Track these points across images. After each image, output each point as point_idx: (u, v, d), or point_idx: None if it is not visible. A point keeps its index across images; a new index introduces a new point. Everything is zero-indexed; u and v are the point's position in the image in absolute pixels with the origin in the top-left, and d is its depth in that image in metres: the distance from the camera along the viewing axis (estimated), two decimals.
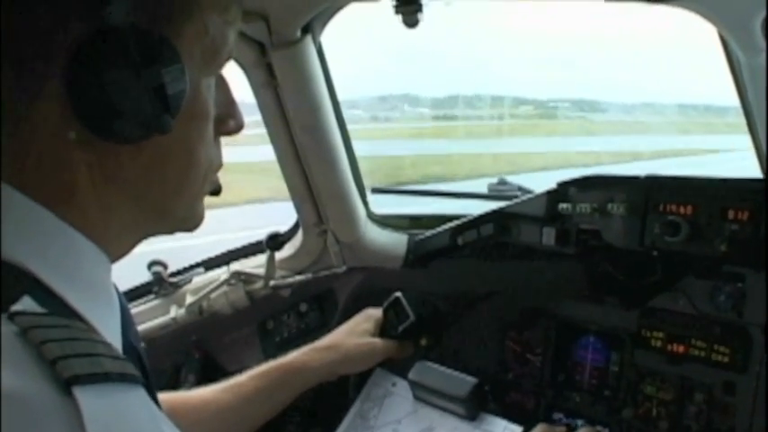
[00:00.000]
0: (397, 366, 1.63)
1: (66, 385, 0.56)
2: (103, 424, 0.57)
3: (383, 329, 1.63)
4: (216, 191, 0.87)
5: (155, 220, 0.80)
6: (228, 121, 0.85)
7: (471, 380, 1.50)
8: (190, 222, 0.84)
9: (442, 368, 1.56)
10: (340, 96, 1.84)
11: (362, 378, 1.66)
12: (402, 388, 1.60)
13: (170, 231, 0.84)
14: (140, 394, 0.65)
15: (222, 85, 0.84)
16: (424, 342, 1.63)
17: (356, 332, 1.61)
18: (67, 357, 0.58)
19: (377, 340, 1.59)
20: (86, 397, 0.57)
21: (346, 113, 1.88)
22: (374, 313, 1.67)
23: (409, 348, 1.62)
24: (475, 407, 1.49)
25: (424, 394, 1.54)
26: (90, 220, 0.72)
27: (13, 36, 0.64)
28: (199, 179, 0.80)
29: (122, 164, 0.71)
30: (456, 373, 1.54)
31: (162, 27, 0.69)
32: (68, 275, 0.69)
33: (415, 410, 1.56)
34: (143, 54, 0.66)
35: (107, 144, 0.68)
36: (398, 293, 1.66)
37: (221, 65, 0.80)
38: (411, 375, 1.55)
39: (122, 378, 0.62)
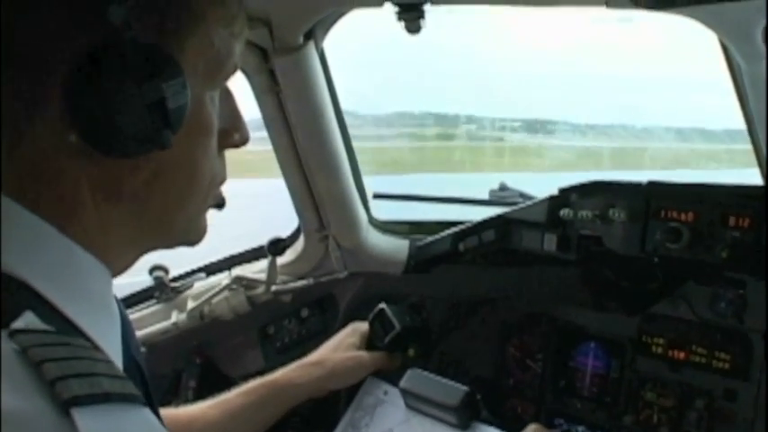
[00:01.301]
0: (389, 374, 1.62)
1: (65, 406, 0.56)
2: None
3: (370, 341, 1.62)
4: (219, 204, 0.86)
5: (156, 234, 0.79)
6: (233, 135, 0.83)
7: (463, 388, 1.47)
8: (192, 237, 0.83)
9: (434, 376, 1.53)
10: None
11: (354, 386, 1.63)
12: (394, 396, 1.57)
13: (172, 246, 0.83)
14: (141, 414, 0.64)
15: (227, 97, 0.82)
16: (411, 352, 1.62)
17: (342, 346, 1.59)
18: (67, 378, 0.58)
19: (363, 353, 1.58)
20: (85, 418, 0.56)
21: None
22: (360, 326, 1.65)
23: (397, 359, 1.61)
24: (467, 416, 1.46)
25: (416, 403, 1.52)
26: (91, 234, 0.71)
27: (16, 48, 0.63)
28: (202, 194, 0.79)
29: (123, 178, 0.71)
30: (448, 382, 1.51)
31: (166, 40, 0.68)
32: (69, 290, 0.68)
33: (407, 419, 1.54)
34: (143, 68, 0.65)
35: (107, 158, 0.68)
36: (383, 305, 1.65)
37: (226, 78, 0.79)
38: (402, 383, 1.53)
39: (123, 398, 0.61)
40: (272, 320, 2.08)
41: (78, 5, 0.64)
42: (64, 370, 0.58)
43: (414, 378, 1.53)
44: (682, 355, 1.56)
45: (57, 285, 0.67)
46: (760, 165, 1.58)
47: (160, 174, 0.73)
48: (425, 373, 1.54)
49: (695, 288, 1.56)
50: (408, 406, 1.54)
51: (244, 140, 0.85)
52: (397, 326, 1.59)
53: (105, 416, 0.59)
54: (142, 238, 0.77)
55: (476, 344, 1.89)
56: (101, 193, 0.70)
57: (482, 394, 1.56)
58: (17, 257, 0.65)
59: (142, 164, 0.70)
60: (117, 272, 0.77)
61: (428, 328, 1.71)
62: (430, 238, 1.95)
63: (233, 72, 0.79)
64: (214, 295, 1.98)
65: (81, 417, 0.56)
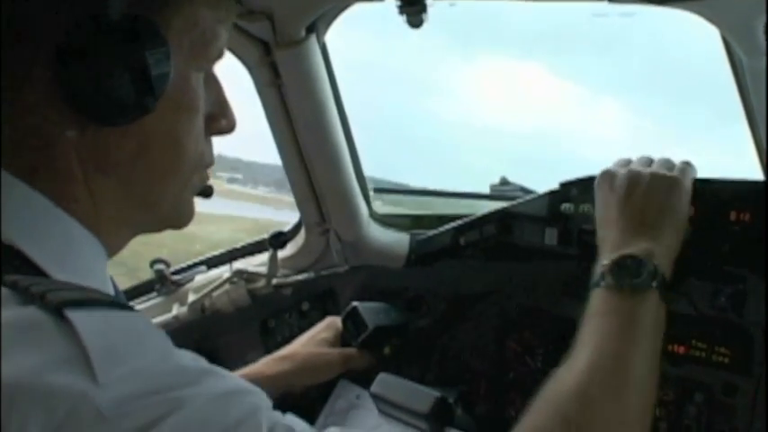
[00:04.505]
0: (362, 377, 1.60)
1: (57, 310, 0.58)
2: (101, 336, 0.59)
3: (344, 340, 1.61)
4: (206, 192, 0.88)
5: (144, 211, 0.81)
6: (220, 120, 0.86)
7: (434, 394, 1.44)
8: (179, 219, 0.85)
9: (406, 381, 1.50)
10: None
11: (326, 390, 1.63)
12: (366, 400, 1.54)
13: (159, 227, 0.85)
14: (134, 313, 0.67)
15: (214, 84, 0.85)
16: (387, 351, 1.60)
17: (314, 341, 1.58)
18: (57, 290, 0.60)
19: (334, 350, 1.57)
20: (79, 317, 0.58)
21: None
22: (336, 321, 1.64)
23: (371, 358, 1.60)
24: (438, 422, 1.43)
25: (387, 408, 1.49)
26: (82, 208, 0.73)
27: (4, 21, 0.65)
28: (185, 171, 0.81)
29: (110, 149, 0.73)
30: (419, 387, 1.48)
31: (152, 16, 0.71)
32: (68, 264, 0.70)
33: (379, 425, 1.51)
34: (128, 35, 0.68)
35: (95, 129, 0.70)
36: (356, 303, 1.64)
37: (212, 60, 0.82)
38: (373, 388, 1.50)
39: (114, 305, 0.64)
40: (273, 314, 2.09)
41: None
42: (52, 286, 0.61)
43: (384, 383, 1.50)
44: (681, 349, 1.56)
45: (52, 257, 0.69)
46: (760, 159, 1.58)
47: (145, 145, 0.75)
48: (396, 377, 1.51)
49: (695, 283, 1.56)
50: (380, 411, 1.52)
51: (230, 126, 0.87)
52: (370, 325, 1.58)
53: (99, 315, 0.61)
54: (131, 215, 0.79)
55: (476, 338, 1.90)
56: (89, 165, 0.72)
57: (482, 388, 1.55)
58: (13, 228, 0.67)
59: (128, 134, 0.73)
60: (110, 251, 0.79)
61: (405, 325, 1.70)
62: (431, 232, 1.95)
63: (219, 56, 0.82)
64: (215, 288, 1.99)
65: (75, 316, 0.58)
